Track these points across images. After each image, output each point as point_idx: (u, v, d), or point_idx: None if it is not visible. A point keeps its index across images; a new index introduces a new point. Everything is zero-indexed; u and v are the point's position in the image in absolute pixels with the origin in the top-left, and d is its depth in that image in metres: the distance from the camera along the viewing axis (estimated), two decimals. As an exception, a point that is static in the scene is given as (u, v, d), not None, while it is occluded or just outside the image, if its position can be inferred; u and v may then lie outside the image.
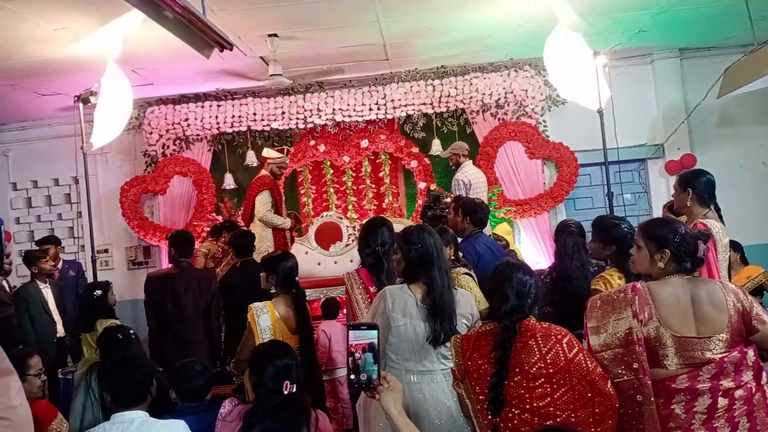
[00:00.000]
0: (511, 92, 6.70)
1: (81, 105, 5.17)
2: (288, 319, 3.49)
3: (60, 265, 6.27)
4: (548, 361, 2.19)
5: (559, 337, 2.24)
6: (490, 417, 2.18)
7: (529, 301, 2.29)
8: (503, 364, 2.18)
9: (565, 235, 3.89)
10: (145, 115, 7.10)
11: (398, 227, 5.63)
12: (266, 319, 3.43)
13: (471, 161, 5.96)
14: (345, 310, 5.37)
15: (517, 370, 2.20)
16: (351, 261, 6.68)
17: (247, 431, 2.48)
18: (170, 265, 4.89)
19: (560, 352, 2.21)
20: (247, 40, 5.29)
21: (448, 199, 5.59)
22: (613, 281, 3.17)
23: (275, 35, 5.23)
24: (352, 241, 7.03)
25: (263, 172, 5.76)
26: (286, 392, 2.52)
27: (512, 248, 5.74)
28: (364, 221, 3.81)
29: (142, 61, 5.62)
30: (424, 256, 2.67)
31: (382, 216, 4.72)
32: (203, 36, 3.65)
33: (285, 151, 5.80)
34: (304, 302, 3.63)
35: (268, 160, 5.70)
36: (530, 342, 2.23)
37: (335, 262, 6.80)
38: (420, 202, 6.83)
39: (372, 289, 3.33)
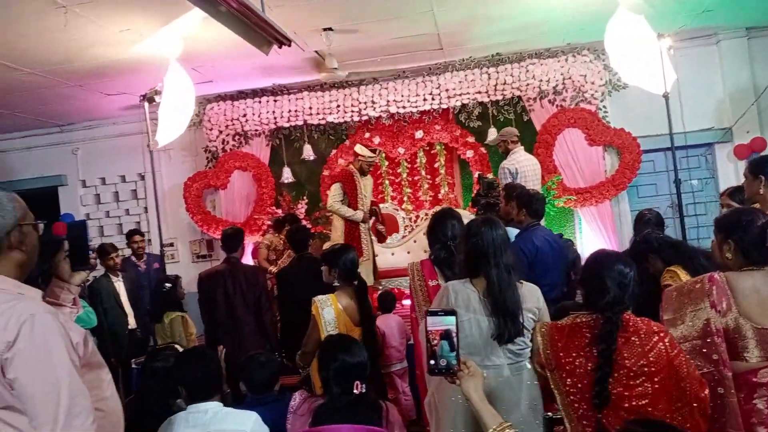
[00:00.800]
0: (569, 78, 6.55)
1: (146, 104, 5.33)
2: (351, 312, 3.51)
3: (145, 258, 6.59)
4: (651, 359, 2.12)
5: (662, 335, 2.17)
6: (582, 411, 2.13)
7: (629, 293, 2.21)
8: (607, 359, 2.11)
9: (641, 225, 3.80)
10: (205, 112, 7.28)
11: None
12: (330, 311, 3.46)
13: (522, 148, 5.80)
14: (403, 302, 5.42)
15: (617, 366, 2.12)
16: (408, 252, 6.70)
17: (318, 425, 2.51)
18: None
19: (663, 350, 2.13)
20: (302, 35, 5.35)
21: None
22: (681, 274, 3.10)
23: (330, 29, 5.26)
24: (409, 232, 7.04)
25: (351, 166, 5.94)
26: (356, 392, 2.53)
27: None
28: (432, 213, 3.79)
29: (202, 59, 5.75)
30: (479, 250, 2.60)
31: (450, 207, 4.66)
32: (262, 33, 3.71)
33: (377, 152, 5.93)
34: (365, 294, 3.65)
35: (359, 157, 5.83)
36: (633, 338, 2.15)
37: (392, 254, 6.84)
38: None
39: (431, 283, 3.31)
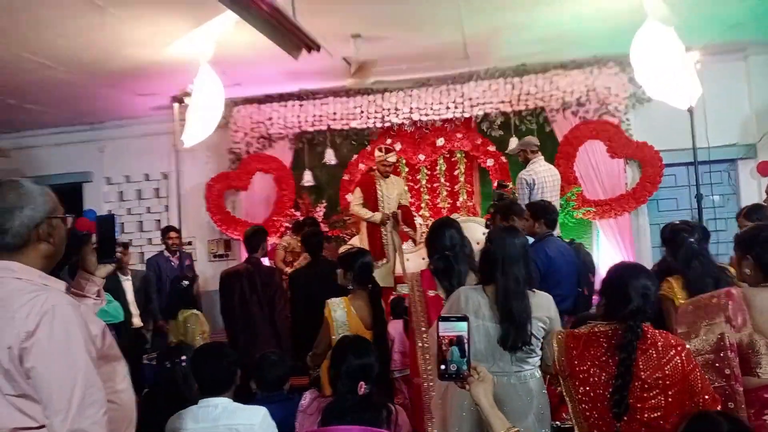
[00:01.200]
0: (594, 90, 6.52)
1: (176, 105, 5.40)
2: (363, 315, 3.54)
3: (178, 254, 6.71)
4: (667, 372, 2.12)
5: (679, 348, 2.17)
6: (593, 420, 2.14)
7: (650, 304, 2.21)
8: (627, 368, 2.12)
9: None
10: (231, 114, 7.36)
11: (472, 226, 5.63)
12: (342, 314, 3.50)
13: (541, 158, 5.73)
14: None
15: (632, 377, 2.13)
16: (423, 258, 6.69)
17: (326, 425, 2.55)
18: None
19: (679, 364, 2.13)
20: (331, 40, 5.38)
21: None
22: (676, 287, 3.11)
23: (359, 36, 5.31)
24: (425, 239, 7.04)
25: (375, 170, 6.12)
26: (360, 393, 2.56)
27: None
28: (431, 224, 3.79)
29: (232, 62, 5.82)
30: (491, 257, 2.62)
31: (448, 217, 4.69)
32: (293, 38, 3.77)
33: (383, 149, 6.02)
34: (379, 298, 3.67)
35: (375, 159, 6.04)
36: (650, 351, 2.16)
37: (407, 260, 6.85)
38: (496, 201, 6.76)
39: (430, 293, 3.29)
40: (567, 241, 4.93)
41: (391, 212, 5.85)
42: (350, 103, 7.12)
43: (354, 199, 6.00)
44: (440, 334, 1.78)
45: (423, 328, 3.27)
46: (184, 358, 3.11)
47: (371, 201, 5.88)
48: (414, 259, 6.77)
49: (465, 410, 2.50)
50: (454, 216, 6.82)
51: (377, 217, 5.82)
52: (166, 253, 6.67)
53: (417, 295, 3.34)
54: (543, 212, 4.34)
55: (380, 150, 6.02)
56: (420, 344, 3.27)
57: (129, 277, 5.86)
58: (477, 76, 6.84)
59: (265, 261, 5.84)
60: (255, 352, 3.78)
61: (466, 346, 1.76)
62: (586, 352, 2.23)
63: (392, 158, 5.99)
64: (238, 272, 4.92)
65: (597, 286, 5.02)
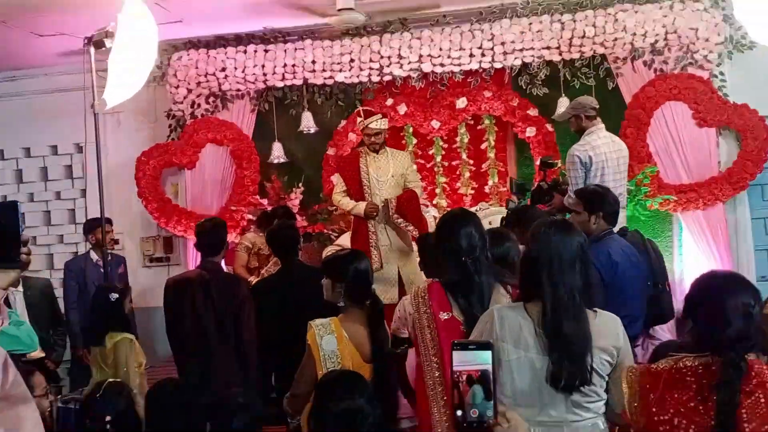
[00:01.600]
0: (674, 32, 6.54)
1: (92, 50, 5.39)
2: (359, 342, 3.54)
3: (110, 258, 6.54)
4: None
5: None
6: None
7: (754, 329, 2.23)
8: (728, 416, 2.13)
9: None
10: (170, 63, 7.38)
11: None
12: (331, 340, 3.49)
13: (602, 126, 5.74)
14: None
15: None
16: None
17: None
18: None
19: None
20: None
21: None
22: None
23: (347, -46, 5.32)
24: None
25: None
26: None
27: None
28: (439, 219, 3.78)
29: (170, -9, 5.83)
30: (536, 262, 2.63)
31: (464, 208, 4.67)
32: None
33: (363, 113, 6.00)
34: (381, 319, 3.65)
35: (358, 128, 6.13)
36: (757, 393, 2.17)
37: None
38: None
39: (442, 316, 3.26)
40: (618, 231, 4.91)
41: (383, 201, 5.85)
42: (335, 48, 7.12)
43: (336, 186, 6.06)
44: (456, 367, 1.80)
45: (435, 364, 3.26)
46: (109, 418, 3.12)
47: (354, 187, 5.89)
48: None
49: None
50: (480, 206, 6.85)
51: (360, 207, 5.83)
52: (94, 256, 6.61)
53: (425, 317, 3.32)
54: (601, 202, 4.36)
55: (360, 115, 6.02)
56: (432, 388, 3.27)
57: (20, 289, 5.80)
58: (512, 11, 6.85)
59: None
60: (211, 389, 3.81)
61: (491, 384, 1.78)
62: (668, 395, 2.25)
63: (377, 125, 5.94)
64: (189, 281, 4.95)
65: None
